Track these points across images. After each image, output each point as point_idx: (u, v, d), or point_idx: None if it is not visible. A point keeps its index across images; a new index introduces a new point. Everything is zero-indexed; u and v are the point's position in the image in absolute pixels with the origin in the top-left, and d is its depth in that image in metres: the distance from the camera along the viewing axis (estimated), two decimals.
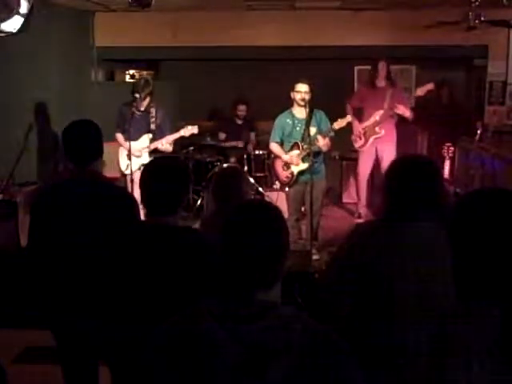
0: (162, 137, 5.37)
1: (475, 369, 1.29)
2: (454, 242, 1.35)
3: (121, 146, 5.43)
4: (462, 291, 1.36)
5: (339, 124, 4.88)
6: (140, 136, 5.34)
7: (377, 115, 6.06)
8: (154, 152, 5.29)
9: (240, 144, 7.13)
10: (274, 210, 1.39)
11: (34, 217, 2.66)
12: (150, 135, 5.35)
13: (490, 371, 1.27)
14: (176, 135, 5.41)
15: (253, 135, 7.39)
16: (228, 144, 7.17)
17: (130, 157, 5.09)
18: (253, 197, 6.40)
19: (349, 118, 5.06)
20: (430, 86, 5.85)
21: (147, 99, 5.24)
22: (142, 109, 5.27)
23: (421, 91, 5.87)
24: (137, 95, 5.19)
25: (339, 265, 2.17)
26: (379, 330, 1.99)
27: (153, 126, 5.34)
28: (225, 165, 6.59)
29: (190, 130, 5.42)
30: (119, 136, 5.44)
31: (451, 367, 1.61)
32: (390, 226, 2.04)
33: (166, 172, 2.20)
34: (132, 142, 5.12)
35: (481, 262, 1.28)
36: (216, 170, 6.38)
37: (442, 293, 1.90)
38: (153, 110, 5.34)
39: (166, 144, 5.33)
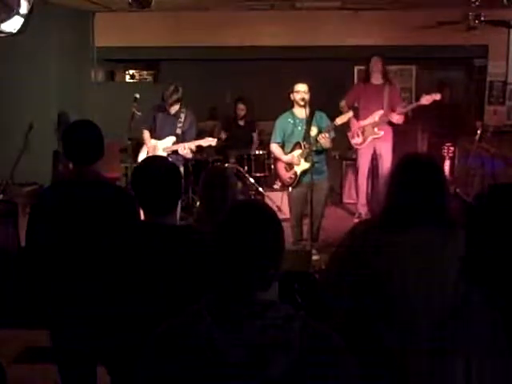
0: (184, 142, 5.57)
1: (474, 367, 1.30)
2: (472, 228, 1.36)
3: (145, 142, 5.64)
4: (471, 277, 1.37)
5: (341, 119, 4.90)
6: (165, 137, 5.56)
7: (376, 115, 6.07)
8: (172, 154, 5.48)
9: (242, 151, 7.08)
10: (269, 210, 1.39)
11: (34, 217, 2.66)
12: (174, 138, 5.53)
13: (489, 369, 1.28)
14: (196, 143, 5.59)
15: (255, 136, 7.40)
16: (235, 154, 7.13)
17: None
18: (252, 197, 6.41)
19: (350, 113, 5.06)
20: (436, 97, 5.74)
21: (177, 105, 5.43)
22: (173, 113, 5.47)
23: (426, 100, 5.76)
24: (137, 95, 5.31)
25: (338, 265, 2.17)
26: (378, 329, 1.99)
27: (179, 131, 5.53)
28: (225, 165, 6.59)
29: (209, 141, 5.59)
30: (146, 133, 5.62)
31: (451, 365, 1.61)
32: (390, 228, 2.02)
33: (159, 172, 2.19)
34: (155, 141, 5.52)
35: (493, 250, 1.30)
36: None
37: (440, 295, 1.90)
38: (182, 116, 5.53)
39: (186, 149, 5.49)
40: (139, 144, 5.73)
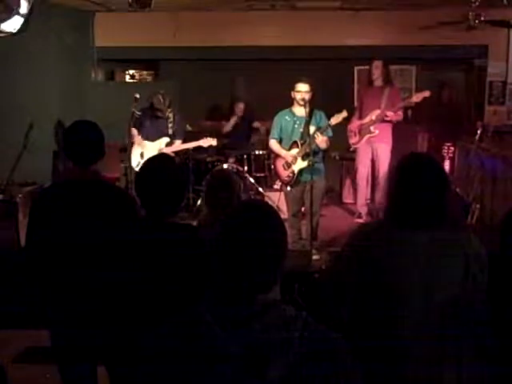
0: (175, 141, 5.78)
1: (464, 367, 1.30)
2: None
3: (134, 140, 5.76)
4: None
5: (336, 119, 4.89)
6: (157, 138, 5.75)
7: (373, 115, 6.10)
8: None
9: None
10: (271, 210, 1.38)
11: (33, 216, 2.65)
12: (168, 139, 5.74)
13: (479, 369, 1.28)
14: (194, 144, 5.78)
15: (257, 125, 7.44)
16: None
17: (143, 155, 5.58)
18: (252, 197, 6.41)
19: (345, 113, 5.05)
20: (426, 94, 5.88)
21: (167, 110, 5.67)
22: (160, 115, 5.70)
23: (417, 98, 5.91)
24: (137, 95, 5.43)
25: (342, 265, 2.16)
26: (380, 329, 1.99)
27: (170, 131, 5.74)
28: (225, 165, 6.59)
29: (208, 142, 5.78)
30: (134, 130, 5.74)
31: (447, 366, 1.61)
32: (393, 228, 2.01)
33: (164, 173, 2.19)
34: (149, 142, 5.71)
35: None
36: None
37: (443, 294, 1.90)
38: (171, 116, 5.73)
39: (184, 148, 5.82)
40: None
